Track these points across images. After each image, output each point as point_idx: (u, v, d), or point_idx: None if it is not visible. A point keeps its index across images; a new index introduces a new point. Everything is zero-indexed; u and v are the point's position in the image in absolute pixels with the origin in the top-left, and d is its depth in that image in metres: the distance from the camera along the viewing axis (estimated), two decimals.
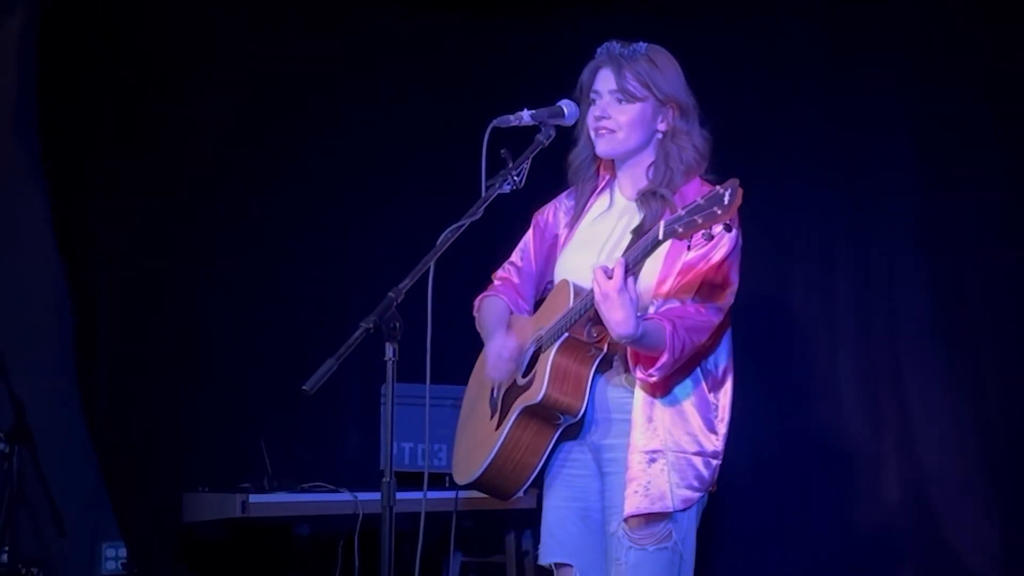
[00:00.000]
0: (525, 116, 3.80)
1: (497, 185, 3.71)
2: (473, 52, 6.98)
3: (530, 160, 3.78)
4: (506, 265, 4.19)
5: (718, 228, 3.35)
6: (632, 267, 3.55)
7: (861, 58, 6.27)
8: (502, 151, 3.72)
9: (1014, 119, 5.90)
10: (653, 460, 3.69)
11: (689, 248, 3.60)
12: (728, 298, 3.72)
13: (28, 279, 5.91)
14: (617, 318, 3.50)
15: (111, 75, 6.12)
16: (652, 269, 3.67)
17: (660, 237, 3.43)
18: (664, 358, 3.58)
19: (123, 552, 6.07)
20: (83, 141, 6.08)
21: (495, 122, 3.76)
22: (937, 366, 6.02)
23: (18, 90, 5.90)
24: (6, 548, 5.34)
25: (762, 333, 6.25)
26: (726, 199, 3.28)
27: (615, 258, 3.70)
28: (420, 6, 6.90)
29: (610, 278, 3.49)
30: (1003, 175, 5.94)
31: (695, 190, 3.77)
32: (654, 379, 3.64)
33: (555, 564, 3.93)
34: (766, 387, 6.25)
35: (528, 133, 3.82)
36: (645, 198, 3.81)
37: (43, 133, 5.95)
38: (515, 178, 3.74)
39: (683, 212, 3.37)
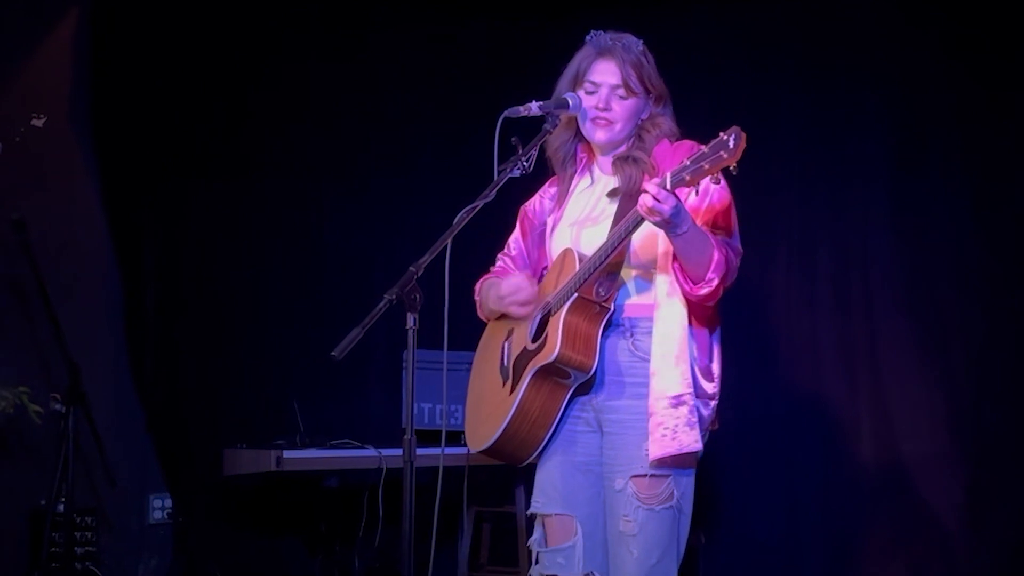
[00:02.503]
0: (533, 107, 3.78)
1: (508, 170, 3.71)
2: (487, 50, 6.98)
3: (538, 147, 3.78)
4: (501, 256, 4.15)
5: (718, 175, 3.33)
6: (623, 236, 3.55)
7: (839, 53, 6.27)
8: (512, 139, 3.72)
9: (979, 111, 5.91)
10: (679, 404, 3.62)
11: (697, 193, 3.57)
12: (737, 245, 3.67)
13: (81, 255, 5.92)
14: (668, 207, 3.40)
15: (158, 66, 6.13)
16: (653, 239, 3.64)
17: (668, 187, 3.38)
18: (716, 255, 3.52)
19: (168, 503, 6.10)
20: (130, 126, 6.09)
21: (506, 113, 3.75)
22: (907, 334, 6.04)
23: (73, 82, 5.91)
24: (63, 499, 5.35)
25: (750, 307, 6.26)
26: (731, 143, 3.25)
27: (602, 219, 3.76)
28: (441, 9, 6.92)
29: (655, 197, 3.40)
30: (968, 163, 5.96)
31: (665, 148, 3.77)
32: (715, 282, 3.55)
33: (545, 514, 3.89)
34: (753, 351, 6.26)
35: (536, 123, 3.82)
36: (619, 162, 3.79)
37: (96, 122, 5.96)
38: (524, 163, 3.73)
39: (688, 162, 3.34)
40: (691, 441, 3.63)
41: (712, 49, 6.47)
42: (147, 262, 6.15)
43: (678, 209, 3.43)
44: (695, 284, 3.59)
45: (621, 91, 3.80)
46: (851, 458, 6.15)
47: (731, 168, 3.29)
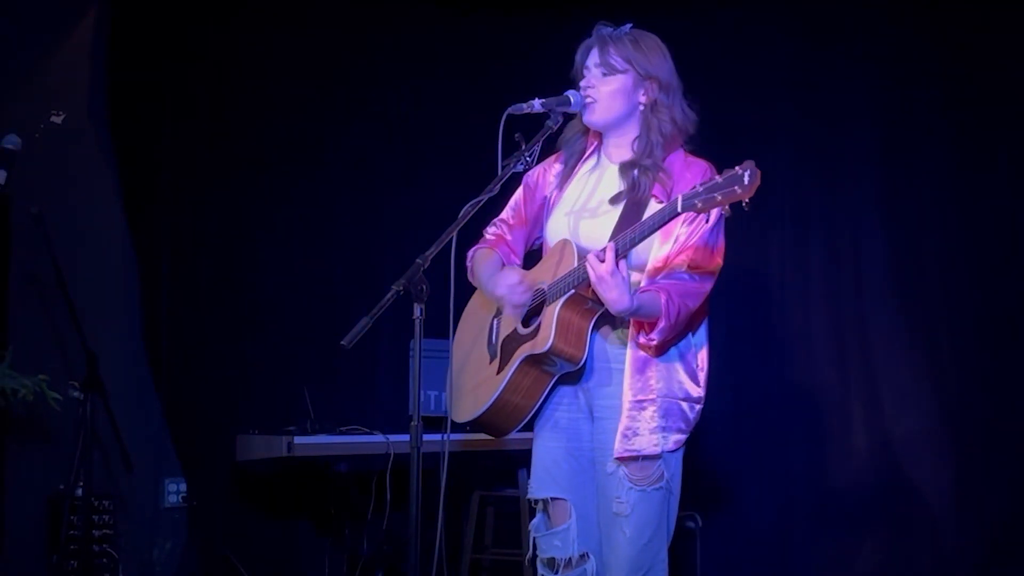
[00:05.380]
0: (536, 104, 3.78)
1: (511, 165, 3.71)
2: (492, 48, 6.98)
3: (540, 143, 3.78)
4: (497, 222, 4.14)
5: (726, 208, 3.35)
6: (628, 247, 3.55)
7: (831, 54, 6.28)
8: (516, 135, 3.71)
9: (965, 112, 5.93)
10: (643, 407, 3.68)
11: (707, 221, 3.60)
12: (718, 260, 3.70)
13: (99, 247, 5.90)
14: (612, 297, 3.51)
15: (174, 65, 6.14)
16: (650, 243, 3.64)
17: (679, 209, 3.39)
18: (662, 323, 3.57)
19: (183, 487, 6.08)
20: (147, 125, 6.09)
21: (510, 109, 3.75)
22: (896, 325, 6.06)
23: (91, 79, 5.89)
24: (81, 483, 5.34)
25: (744, 296, 6.27)
26: (746, 179, 3.24)
27: (601, 211, 3.76)
28: (447, 6, 6.92)
29: (602, 261, 3.50)
30: (954, 161, 5.98)
31: (680, 161, 3.78)
32: (655, 342, 3.63)
33: (547, 499, 3.91)
34: (747, 343, 6.27)
35: (538, 119, 3.82)
36: (625, 169, 3.79)
37: (113, 118, 5.94)
38: (527, 159, 3.73)
39: (701, 188, 3.34)
40: (649, 444, 3.69)
41: (708, 44, 6.47)
42: (163, 253, 6.15)
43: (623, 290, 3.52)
44: (639, 333, 3.66)
45: (602, 69, 3.80)
46: (842, 442, 6.17)
47: (743, 203, 3.28)
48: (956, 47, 5.96)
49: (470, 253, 4.11)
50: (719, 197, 3.29)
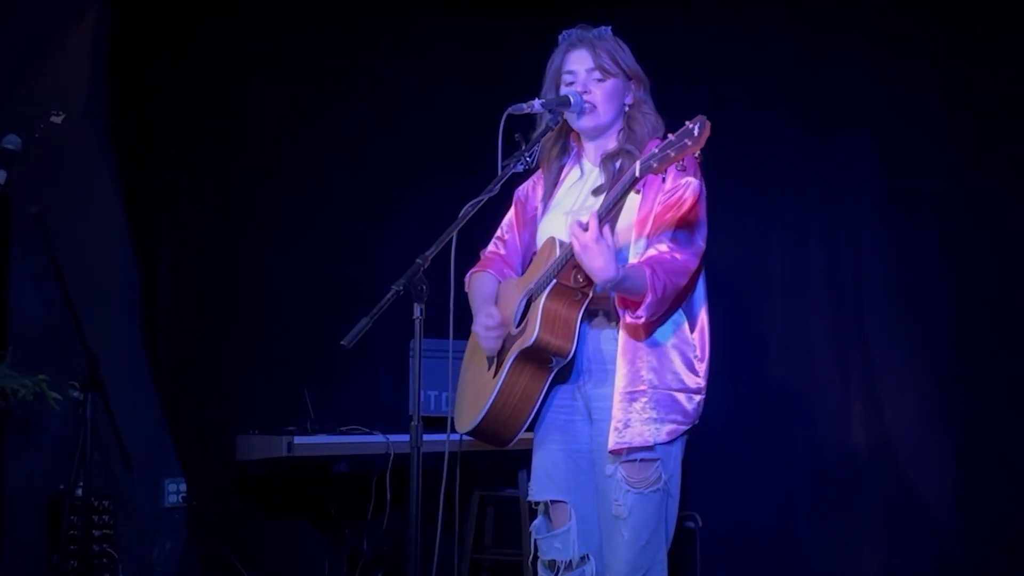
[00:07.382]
0: (536, 104, 3.78)
1: (512, 165, 3.71)
2: (492, 48, 6.99)
3: (540, 143, 3.79)
4: (494, 240, 4.16)
5: (692, 159, 3.37)
6: (606, 215, 3.54)
7: (831, 54, 6.28)
8: (516, 135, 3.73)
9: (962, 111, 5.94)
10: (634, 399, 3.65)
11: (664, 181, 3.59)
12: (701, 242, 3.69)
13: (99, 247, 5.90)
14: (598, 265, 3.47)
15: (174, 65, 6.14)
16: (630, 213, 3.65)
17: (637, 174, 3.41)
18: (648, 298, 3.53)
19: (183, 487, 6.08)
20: (147, 125, 6.09)
21: (510, 110, 3.75)
22: (896, 321, 6.06)
23: (91, 80, 5.89)
24: (81, 483, 5.34)
25: (745, 292, 6.27)
26: (696, 131, 3.27)
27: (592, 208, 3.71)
28: (447, 6, 6.92)
29: (585, 230, 3.48)
30: (953, 159, 5.99)
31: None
32: (642, 320, 3.58)
33: (548, 501, 3.90)
34: (747, 339, 6.27)
35: (539, 119, 3.82)
36: (606, 160, 3.81)
37: (112, 117, 5.94)
38: (527, 159, 3.74)
39: (657, 150, 3.37)
40: (641, 436, 3.66)
41: (709, 46, 6.48)
42: (163, 253, 6.15)
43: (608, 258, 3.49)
44: (625, 311, 3.63)
45: (597, 74, 3.81)
46: (842, 445, 6.17)
47: (695, 155, 3.34)
48: (956, 47, 5.96)
49: (467, 278, 4.11)
50: (672, 154, 3.33)
